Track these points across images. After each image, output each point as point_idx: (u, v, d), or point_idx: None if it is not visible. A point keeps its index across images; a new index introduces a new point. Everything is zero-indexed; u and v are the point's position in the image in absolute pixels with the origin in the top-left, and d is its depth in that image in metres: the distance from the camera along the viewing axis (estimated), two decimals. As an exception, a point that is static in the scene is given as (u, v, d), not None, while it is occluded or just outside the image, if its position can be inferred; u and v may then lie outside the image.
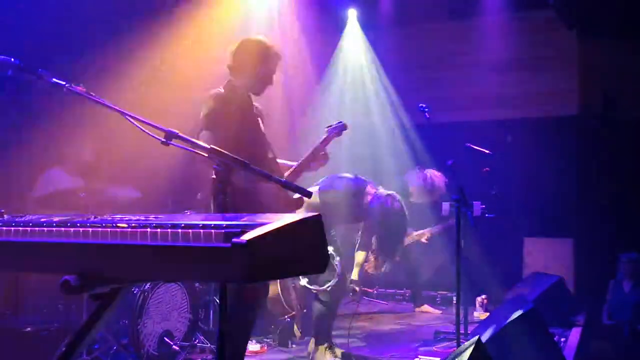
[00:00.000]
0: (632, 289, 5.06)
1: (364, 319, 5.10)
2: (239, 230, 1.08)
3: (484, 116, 6.47)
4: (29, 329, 3.19)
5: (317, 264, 1.21)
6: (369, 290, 6.13)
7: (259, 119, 2.88)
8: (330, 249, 3.46)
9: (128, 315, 3.30)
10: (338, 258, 3.48)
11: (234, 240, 1.03)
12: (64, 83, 1.55)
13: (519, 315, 3.03)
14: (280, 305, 4.15)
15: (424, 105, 3.61)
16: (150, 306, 3.34)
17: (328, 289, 3.44)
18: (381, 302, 6.02)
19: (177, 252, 1.09)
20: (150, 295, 3.34)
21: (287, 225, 1.14)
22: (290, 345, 3.98)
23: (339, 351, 3.69)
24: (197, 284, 3.74)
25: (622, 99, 6.08)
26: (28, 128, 3.92)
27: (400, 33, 6.74)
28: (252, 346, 3.91)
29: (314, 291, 3.47)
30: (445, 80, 6.70)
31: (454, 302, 4.10)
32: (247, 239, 1.04)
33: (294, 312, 4.11)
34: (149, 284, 3.36)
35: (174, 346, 3.40)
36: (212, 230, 1.09)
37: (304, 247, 1.17)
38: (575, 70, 6.18)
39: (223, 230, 1.08)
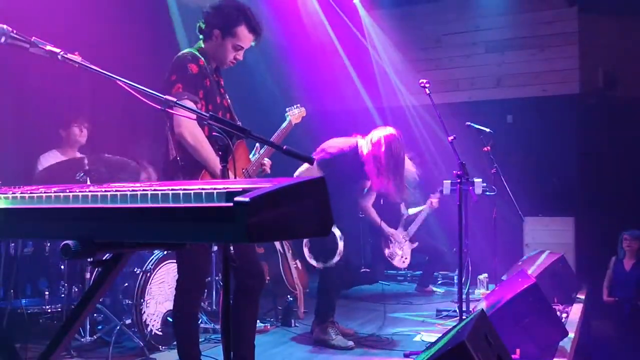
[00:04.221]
0: (634, 266, 5.07)
1: (367, 299, 5.12)
2: (240, 190, 1.06)
3: (484, 96, 6.43)
4: (30, 310, 3.19)
5: (321, 226, 1.19)
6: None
7: (223, 98, 2.56)
8: (334, 229, 3.46)
9: (131, 295, 3.30)
10: (341, 238, 3.47)
11: (237, 198, 1.01)
12: (58, 51, 1.52)
13: (522, 291, 3.04)
14: (282, 285, 4.16)
15: (424, 81, 3.57)
16: (153, 286, 3.34)
17: (330, 265, 3.44)
18: (383, 282, 6.03)
19: (179, 213, 1.07)
20: (152, 275, 3.34)
21: (290, 186, 1.12)
22: (293, 324, 3.99)
23: (341, 328, 3.70)
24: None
25: (622, 77, 6.04)
26: (25, 111, 3.90)
27: (398, 13, 6.68)
28: (255, 325, 3.93)
29: (318, 267, 3.48)
30: (445, 60, 6.65)
31: (455, 281, 4.12)
32: (250, 197, 1.02)
33: (296, 292, 4.13)
34: (151, 264, 3.37)
35: (176, 326, 3.40)
36: (214, 190, 1.07)
37: (307, 209, 1.14)
38: (576, 48, 6.13)
39: (225, 190, 1.06)
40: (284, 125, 3.03)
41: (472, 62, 6.52)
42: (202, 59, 2.47)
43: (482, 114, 5.66)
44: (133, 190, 1.15)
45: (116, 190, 1.18)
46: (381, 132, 3.65)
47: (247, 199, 1.01)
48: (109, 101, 3.75)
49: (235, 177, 1.92)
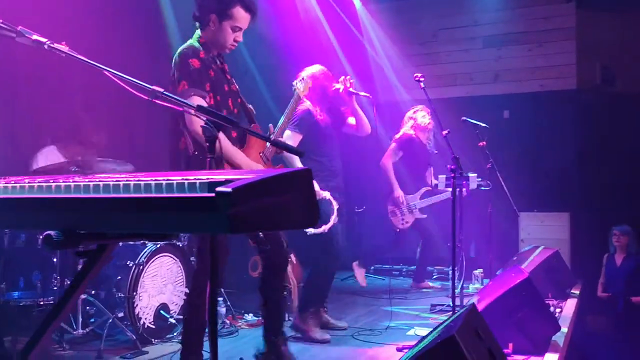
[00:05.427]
0: (624, 261, 5.08)
1: (361, 294, 5.12)
2: (223, 180, 1.05)
3: (481, 91, 6.42)
4: (23, 303, 3.18)
5: (306, 218, 1.18)
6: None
7: (231, 84, 2.61)
8: (327, 194, 3.44)
9: (124, 288, 3.29)
10: (336, 205, 3.45)
11: (218, 189, 1.00)
12: (45, 40, 1.50)
13: (515, 285, 3.04)
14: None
15: (419, 75, 3.56)
16: (145, 279, 3.34)
17: (324, 230, 3.43)
18: (378, 277, 6.04)
19: (161, 204, 1.06)
20: (144, 268, 3.33)
21: (274, 177, 1.11)
22: (286, 318, 3.98)
23: (333, 322, 3.71)
24: (192, 259, 3.74)
25: (620, 72, 6.03)
26: (22, 105, 3.87)
27: (395, 7, 6.65)
28: (250, 319, 3.93)
29: (309, 234, 3.46)
30: (442, 55, 6.63)
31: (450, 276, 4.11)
32: (232, 187, 1.01)
33: (289, 286, 4.12)
34: (144, 257, 3.36)
35: (170, 319, 3.41)
36: (196, 181, 1.06)
37: (292, 200, 1.14)
38: (574, 44, 6.11)
39: (207, 180, 1.05)
40: (293, 99, 3.13)
41: (470, 57, 6.50)
42: (202, 50, 2.48)
43: (479, 109, 5.64)
44: (116, 181, 1.14)
45: (99, 181, 1.17)
46: (303, 82, 3.56)
47: (229, 190, 1.00)
48: (101, 95, 3.73)
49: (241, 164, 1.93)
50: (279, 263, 2.76)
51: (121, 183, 1.12)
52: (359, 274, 5.30)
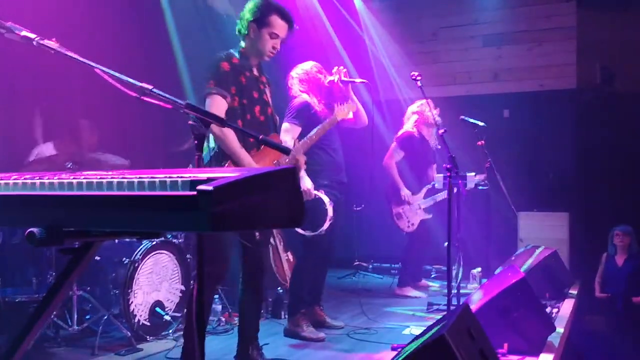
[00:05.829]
0: (625, 261, 5.05)
1: (359, 292, 5.10)
2: (205, 179, 1.05)
3: (481, 90, 6.40)
4: (18, 299, 3.18)
5: (290, 216, 1.17)
6: (364, 264, 6.15)
7: (262, 94, 2.80)
8: (326, 198, 3.43)
9: (119, 285, 3.30)
10: (330, 204, 3.43)
11: (200, 187, 1.00)
12: (33, 36, 1.50)
13: (510, 285, 3.03)
14: (273, 277, 4.15)
15: (415, 74, 3.55)
16: (140, 276, 3.34)
17: (321, 233, 3.41)
18: (376, 275, 6.04)
19: (143, 202, 1.05)
20: (140, 265, 3.33)
21: (258, 175, 1.10)
22: (282, 316, 3.98)
23: (322, 318, 3.71)
24: (188, 256, 3.74)
25: (620, 72, 6.01)
26: (20, 104, 3.87)
27: (395, 5, 6.63)
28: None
29: (307, 235, 3.44)
30: (442, 53, 6.62)
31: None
32: (214, 186, 1.00)
33: (286, 284, 4.12)
34: (139, 254, 3.36)
35: (165, 317, 3.40)
36: (179, 179, 1.05)
37: (276, 199, 1.13)
38: (574, 43, 6.09)
39: (189, 179, 1.05)
40: (329, 120, 3.27)
41: (469, 55, 6.48)
42: (237, 57, 2.69)
43: (479, 108, 5.63)
44: (100, 178, 1.14)
45: (84, 178, 1.16)
46: (297, 78, 3.62)
47: (210, 188, 0.99)
48: (98, 92, 3.72)
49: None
50: (258, 265, 2.86)
51: (104, 180, 1.11)
52: (410, 292, 5.08)
